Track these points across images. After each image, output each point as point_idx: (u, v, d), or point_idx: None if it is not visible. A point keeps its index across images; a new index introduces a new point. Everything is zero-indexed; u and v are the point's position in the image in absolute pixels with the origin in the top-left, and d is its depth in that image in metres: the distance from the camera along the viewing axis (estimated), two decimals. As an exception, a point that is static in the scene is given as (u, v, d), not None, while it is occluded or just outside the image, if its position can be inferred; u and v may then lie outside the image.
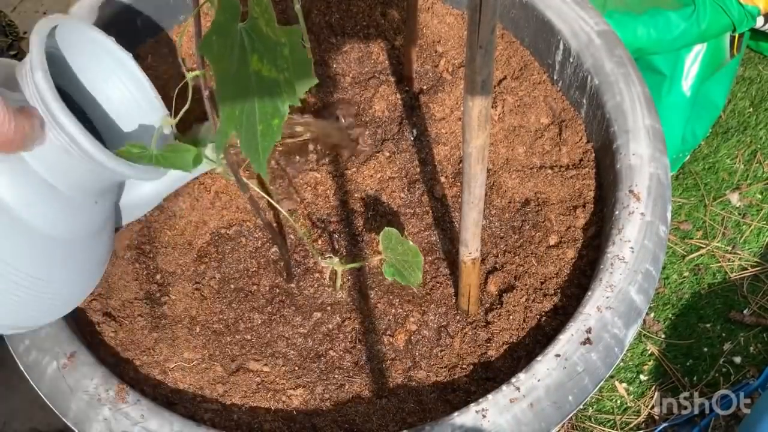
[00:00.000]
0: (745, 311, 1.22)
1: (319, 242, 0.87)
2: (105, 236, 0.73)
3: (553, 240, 0.84)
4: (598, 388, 0.71)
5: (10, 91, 0.62)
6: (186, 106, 0.60)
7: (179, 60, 0.98)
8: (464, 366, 0.77)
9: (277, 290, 0.84)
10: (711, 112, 1.37)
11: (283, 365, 0.78)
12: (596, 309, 0.71)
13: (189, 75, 0.56)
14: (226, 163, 0.66)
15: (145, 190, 0.79)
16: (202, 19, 0.58)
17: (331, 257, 0.75)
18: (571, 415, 0.68)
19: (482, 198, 0.67)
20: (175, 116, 0.64)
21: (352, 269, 0.84)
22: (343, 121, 0.93)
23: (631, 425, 1.14)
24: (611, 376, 1.18)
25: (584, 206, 0.86)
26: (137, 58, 0.99)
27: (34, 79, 0.59)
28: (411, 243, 0.69)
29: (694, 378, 1.17)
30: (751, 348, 1.19)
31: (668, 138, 1.12)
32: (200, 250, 0.86)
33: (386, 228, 0.69)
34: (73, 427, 0.69)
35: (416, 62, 0.98)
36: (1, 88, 0.62)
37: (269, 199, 0.72)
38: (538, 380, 0.67)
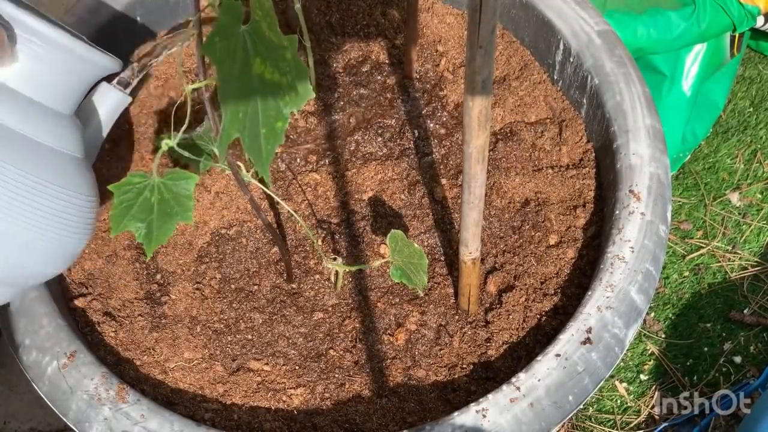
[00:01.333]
0: (745, 311, 1.22)
1: (320, 243, 0.87)
2: (89, 163, 0.76)
3: (553, 240, 0.84)
4: (598, 387, 0.71)
5: None
6: (185, 125, 0.59)
7: (178, 62, 0.98)
8: (464, 365, 0.77)
9: (278, 290, 0.84)
10: (711, 111, 1.37)
11: (283, 364, 0.78)
12: (596, 309, 0.71)
13: (187, 87, 0.55)
14: (227, 164, 0.66)
15: (102, 111, 0.81)
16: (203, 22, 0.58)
17: (335, 258, 0.75)
18: (571, 414, 0.68)
19: (482, 198, 0.67)
20: (176, 130, 0.63)
21: (353, 270, 0.84)
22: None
23: (632, 425, 1.14)
24: (611, 376, 1.18)
25: (584, 206, 0.86)
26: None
27: None
28: (416, 245, 0.69)
29: (694, 378, 1.17)
30: (752, 348, 1.19)
31: (668, 138, 1.12)
32: (201, 250, 0.86)
33: (393, 230, 0.69)
34: (73, 427, 0.69)
35: (417, 62, 0.98)
36: None
37: (273, 198, 0.72)
38: (539, 380, 0.67)
